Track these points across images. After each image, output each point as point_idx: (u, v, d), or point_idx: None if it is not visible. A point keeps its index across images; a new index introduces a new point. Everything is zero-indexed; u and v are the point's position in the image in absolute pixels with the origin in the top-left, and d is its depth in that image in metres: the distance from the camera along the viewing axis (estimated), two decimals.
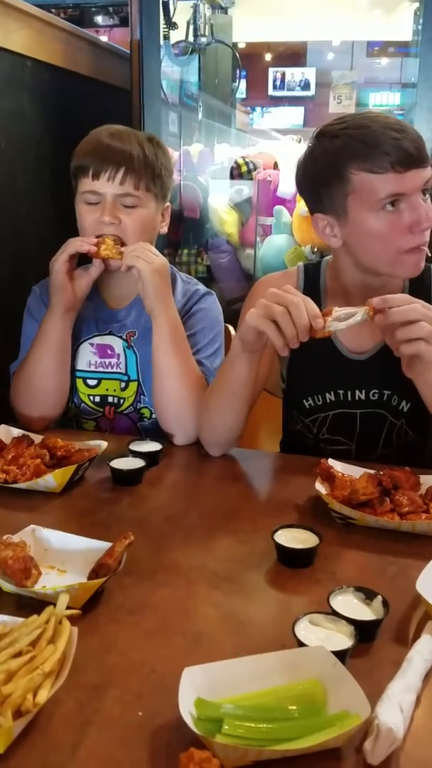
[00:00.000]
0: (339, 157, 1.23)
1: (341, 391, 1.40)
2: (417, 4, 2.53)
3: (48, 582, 0.92)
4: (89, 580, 0.89)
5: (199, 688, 0.69)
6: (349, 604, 0.85)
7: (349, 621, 0.80)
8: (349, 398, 1.39)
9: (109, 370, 1.54)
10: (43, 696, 0.68)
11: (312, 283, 1.44)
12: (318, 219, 1.32)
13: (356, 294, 1.34)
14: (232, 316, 1.73)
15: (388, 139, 1.19)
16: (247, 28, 3.28)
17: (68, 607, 0.81)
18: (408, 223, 1.21)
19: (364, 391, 1.38)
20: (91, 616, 0.86)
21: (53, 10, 2.87)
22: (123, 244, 1.41)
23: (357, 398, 1.39)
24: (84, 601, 0.86)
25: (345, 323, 1.12)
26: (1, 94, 1.94)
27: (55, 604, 0.81)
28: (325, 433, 1.43)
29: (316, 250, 2.44)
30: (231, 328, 1.71)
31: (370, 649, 0.82)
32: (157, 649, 0.82)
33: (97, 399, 1.55)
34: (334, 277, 1.41)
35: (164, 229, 1.55)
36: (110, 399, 1.55)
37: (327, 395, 1.41)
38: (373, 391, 1.38)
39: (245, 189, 2.61)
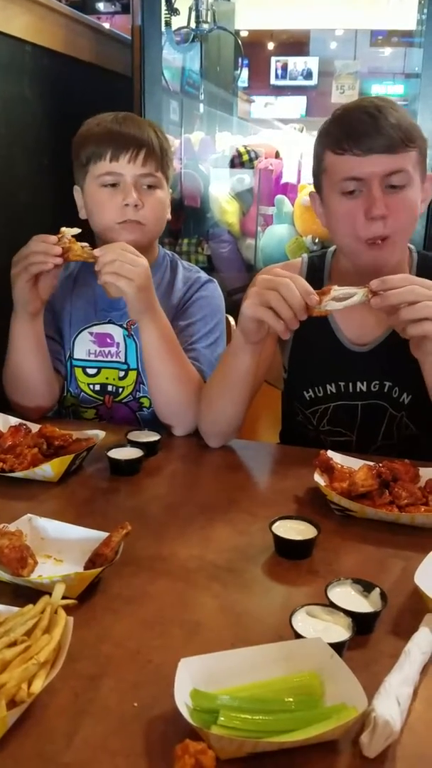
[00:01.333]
0: (321, 136, 1.27)
1: (342, 383, 1.39)
2: None
3: (44, 571, 0.92)
4: (86, 570, 0.88)
5: (196, 678, 0.69)
6: (347, 596, 0.85)
7: (347, 613, 0.79)
8: (350, 390, 1.39)
9: (109, 359, 1.53)
10: (37, 686, 0.68)
11: (316, 273, 1.43)
12: (312, 195, 1.36)
13: (360, 282, 1.32)
14: (233, 306, 1.72)
15: (357, 121, 1.20)
16: (249, 15, 3.25)
17: (64, 597, 0.81)
18: (363, 210, 1.20)
19: (365, 383, 1.37)
20: (88, 606, 0.86)
21: None
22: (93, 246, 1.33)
23: (358, 390, 1.38)
24: (80, 590, 0.85)
25: (342, 303, 1.11)
26: (2, 79, 1.92)
27: (51, 594, 0.80)
28: (326, 425, 1.43)
29: (317, 240, 2.43)
30: (231, 319, 1.70)
31: (368, 642, 0.81)
32: (153, 640, 0.81)
33: (97, 387, 1.54)
34: (339, 266, 1.40)
35: (169, 215, 1.53)
36: (109, 388, 1.54)
37: (328, 387, 1.40)
38: (375, 382, 1.37)
39: (246, 178, 2.59)
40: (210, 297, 1.55)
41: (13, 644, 0.72)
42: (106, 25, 2.96)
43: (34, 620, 0.75)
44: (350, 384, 1.39)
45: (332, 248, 1.46)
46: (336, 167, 1.23)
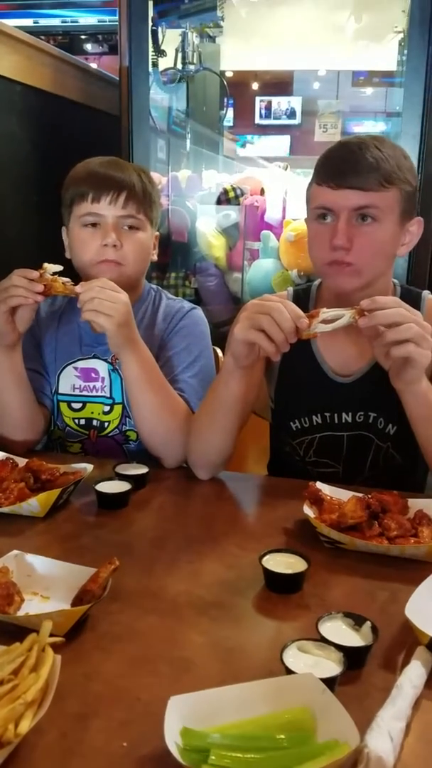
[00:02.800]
0: (313, 171, 1.32)
1: (328, 414, 1.40)
2: (401, 35, 2.59)
3: (31, 609, 0.90)
4: (73, 607, 0.87)
5: (186, 717, 0.68)
6: (338, 630, 0.84)
7: (338, 647, 0.79)
8: (336, 420, 1.39)
9: (94, 393, 1.53)
10: (25, 726, 0.66)
11: (301, 306, 1.44)
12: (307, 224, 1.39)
13: None
14: (220, 338, 1.73)
15: (338, 157, 1.26)
16: (234, 57, 3.33)
17: (52, 635, 0.79)
18: (330, 236, 1.25)
19: (350, 414, 1.38)
20: (75, 644, 0.84)
21: (43, 37, 2.91)
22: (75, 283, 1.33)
23: (344, 420, 1.39)
24: (68, 628, 0.84)
25: (331, 325, 1.13)
26: None
27: (38, 632, 0.79)
28: (312, 456, 1.43)
29: (302, 274, 2.46)
30: (219, 351, 1.71)
31: (360, 676, 0.80)
32: (142, 677, 0.80)
33: (82, 422, 1.54)
34: (323, 298, 1.42)
35: (155, 257, 1.55)
36: (94, 422, 1.54)
37: (314, 417, 1.41)
38: (360, 413, 1.38)
39: (232, 214, 2.63)
40: (192, 325, 1.56)
41: (0, 683, 0.70)
42: (94, 65, 3.03)
43: (21, 658, 0.74)
44: (335, 415, 1.39)
45: (317, 281, 1.48)
46: (314, 196, 1.29)
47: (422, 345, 1.09)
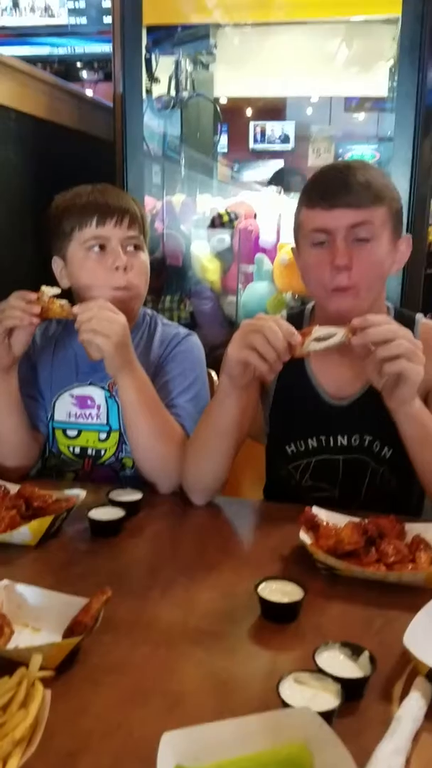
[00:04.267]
0: (300, 196, 1.32)
1: (323, 437, 1.39)
2: (392, 62, 2.63)
3: (21, 640, 0.88)
4: (64, 639, 0.85)
5: (179, 753, 0.66)
6: (335, 660, 0.82)
7: (336, 679, 0.77)
8: (332, 444, 1.38)
9: (89, 421, 1.52)
10: (13, 765, 0.65)
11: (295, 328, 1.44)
12: (294, 251, 1.39)
13: None
14: (215, 361, 1.72)
15: (327, 179, 1.27)
16: (227, 83, 3.37)
17: (42, 668, 0.77)
18: (329, 261, 1.24)
19: (346, 437, 1.37)
20: (66, 677, 0.82)
21: (39, 65, 2.95)
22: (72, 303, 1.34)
23: (339, 444, 1.38)
24: (58, 661, 0.82)
25: (324, 344, 1.13)
26: None
27: (27, 665, 0.77)
28: (308, 480, 1.42)
29: (297, 296, 2.47)
30: (213, 374, 1.70)
31: (358, 708, 0.79)
32: (134, 711, 0.78)
33: (77, 450, 1.53)
34: (317, 321, 1.42)
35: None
36: (89, 451, 1.52)
37: (309, 441, 1.40)
38: (355, 436, 1.37)
39: (226, 238, 2.65)
40: (188, 351, 1.55)
41: None
42: (90, 92, 3.06)
43: (10, 694, 0.72)
44: (331, 438, 1.38)
45: (311, 304, 1.48)
46: (307, 220, 1.28)
47: (414, 360, 1.10)
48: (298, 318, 1.47)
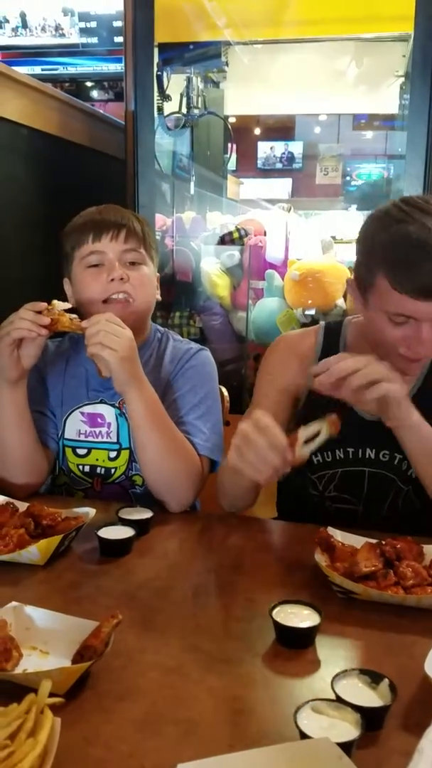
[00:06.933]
0: (376, 253, 1.20)
1: (351, 450, 1.37)
2: (402, 79, 2.64)
3: (29, 664, 0.85)
4: (73, 664, 0.83)
5: None
6: (353, 688, 0.79)
7: (355, 708, 0.74)
8: (359, 456, 1.37)
9: (99, 439, 1.49)
10: None
11: (332, 341, 1.43)
12: (351, 284, 1.32)
13: (373, 352, 1.32)
14: (225, 377, 1.70)
15: (417, 266, 1.16)
16: (238, 101, 3.39)
17: (51, 694, 0.75)
18: (408, 340, 1.21)
19: (374, 450, 1.36)
20: (75, 704, 0.79)
21: (50, 84, 2.97)
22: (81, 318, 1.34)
23: (367, 456, 1.36)
24: (68, 686, 0.79)
25: (315, 443, 1.12)
26: None
27: (36, 690, 0.74)
28: (332, 491, 1.40)
29: (307, 313, 2.45)
30: (224, 390, 1.69)
31: (378, 739, 0.76)
32: (146, 741, 0.75)
33: (87, 469, 1.51)
34: (359, 335, 1.40)
35: (158, 297, 1.54)
36: (98, 470, 1.50)
37: (337, 452, 1.38)
38: (384, 452, 1.35)
39: (236, 254, 2.64)
40: (199, 366, 1.53)
41: None
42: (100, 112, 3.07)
43: (19, 721, 0.70)
44: (359, 450, 1.37)
45: (350, 317, 1.46)
46: (389, 298, 1.19)
47: (393, 380, 1.12)
48: (335, 333, 1.44)
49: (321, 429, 1.12)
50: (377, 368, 1.11)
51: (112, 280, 1.39)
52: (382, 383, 1.11)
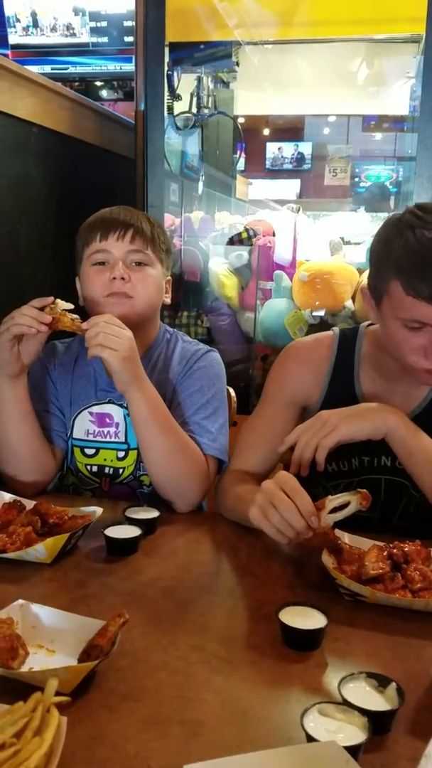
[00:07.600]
0: (389, 259, 1.20)
1: (367, 458, 1.37)
2: (413, 81, 2.62)
3: (35, 663, 0.85)
4: (80, 663, 0.82)
5: None
6: (361, 692, 0.79)
7: (363, 712, 0.73)
8: (375, 464, 1.36)
9: (108, 439, 1.50)
10: None
11: (347, 348, 1.42)
12: (364, 292, 1.31)
13: (392, 367, 1.32)
14: (232, 378, 1.70)
15: (430, 270, 1.15)
16: (248, 102, 3.39)
17: (57, 693, 0.74)
18: (424, 346, 1.20)
19: (389, 458, 1.35)
20: (82, 703, 0.79)
21: (60, 83, 2.97)
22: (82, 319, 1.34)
23: (383, 464, 1.36)
24: (74, 685, 0.79)
25: (342, 514, 1.10)
26: (8, 158, 1.97)
27: (42, 688, 0.74)
28: None
29: (315, 314, 2.44)
30: (231, 391, 1.68)
31: (385, 743, 0.75)
32: (152, 741, 0.75)
33: (95, 469, 1.51)
34: (375, 345, 1.38)
35: (168, 300, 1.53)
36: (107, 470, 1.50)
37: (353, 461, 1.37)
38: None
39: (244, 254, 2.63)
40: (207, 367, 1.52)
41: (1, 747, 0.66)
42: None
43: (25, 720, 0.69)
44: (375, 459, 1.36)
45: (365, 324, 1.45)
46: (403, 303, 1.18)
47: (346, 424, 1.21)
48: (351, 339, 1.43)
49: (351, 501, 1.10)
50: (319, 424, 1.22)
51: (114, 278, 1.39)
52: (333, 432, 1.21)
